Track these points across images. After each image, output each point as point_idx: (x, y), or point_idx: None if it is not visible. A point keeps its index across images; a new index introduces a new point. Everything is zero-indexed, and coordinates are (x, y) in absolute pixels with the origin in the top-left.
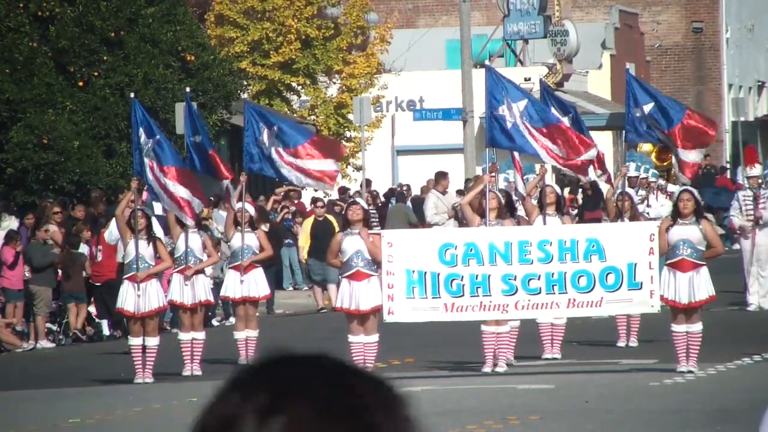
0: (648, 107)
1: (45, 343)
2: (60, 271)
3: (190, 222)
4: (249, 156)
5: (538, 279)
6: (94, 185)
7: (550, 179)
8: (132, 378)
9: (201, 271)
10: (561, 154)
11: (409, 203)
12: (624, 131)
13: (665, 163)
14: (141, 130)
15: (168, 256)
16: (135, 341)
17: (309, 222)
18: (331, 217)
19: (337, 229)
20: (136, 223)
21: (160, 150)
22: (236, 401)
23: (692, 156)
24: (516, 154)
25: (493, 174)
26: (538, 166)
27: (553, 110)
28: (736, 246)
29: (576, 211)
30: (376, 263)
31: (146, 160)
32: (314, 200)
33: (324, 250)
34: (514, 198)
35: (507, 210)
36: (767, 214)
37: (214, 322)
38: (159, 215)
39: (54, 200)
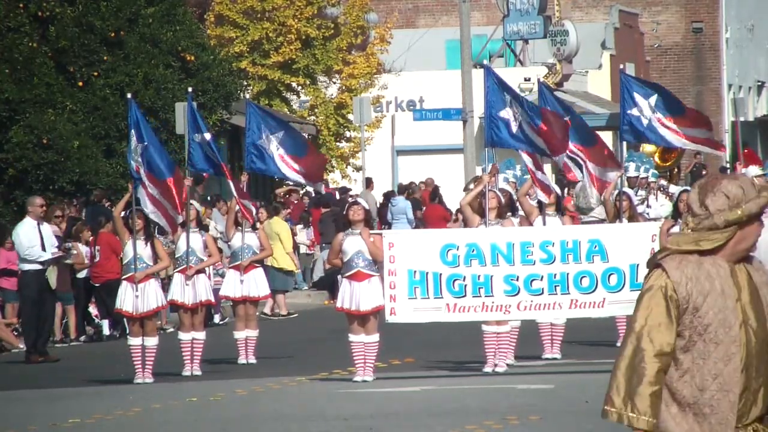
0: (653, 99)
1: None
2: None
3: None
4: (250, 156)
5: (541, 280)
6: (94, 185)
7: (550, 179)
8: (132, 378)
9: (202, 271)
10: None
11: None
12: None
13: (668, 164)
14: (133, 132)
15: (166, 256)
16: (134, 341)
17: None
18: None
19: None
20: (134, 223)
21: (148, 157)
22: None
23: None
24: (528, 163)
25: (494, 174)
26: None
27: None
28: None
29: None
30: (376, 264)
31: (132, 163)
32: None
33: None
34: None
35: (508, 209)
36: None
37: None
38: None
39: (56, 202)
